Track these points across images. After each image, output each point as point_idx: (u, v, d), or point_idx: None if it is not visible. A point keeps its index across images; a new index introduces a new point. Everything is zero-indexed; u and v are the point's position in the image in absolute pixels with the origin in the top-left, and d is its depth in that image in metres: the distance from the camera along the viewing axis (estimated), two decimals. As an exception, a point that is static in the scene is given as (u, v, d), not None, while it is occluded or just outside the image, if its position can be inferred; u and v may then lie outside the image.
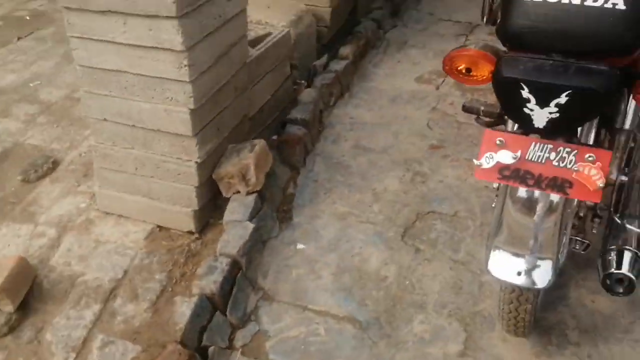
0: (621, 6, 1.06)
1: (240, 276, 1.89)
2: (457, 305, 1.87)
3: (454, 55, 1.34)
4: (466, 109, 2.09)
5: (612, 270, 1.41)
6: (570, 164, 1.17)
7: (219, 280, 1.81)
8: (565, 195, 1.20)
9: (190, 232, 2.10)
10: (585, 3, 1.09)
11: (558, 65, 1.11)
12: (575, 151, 1.18)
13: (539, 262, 1.30)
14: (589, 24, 1.09)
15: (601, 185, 1.15)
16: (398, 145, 2.55)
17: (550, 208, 1.28)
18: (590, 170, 1.15)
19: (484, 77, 1.33)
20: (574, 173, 1.17)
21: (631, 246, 1.45)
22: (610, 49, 1.11)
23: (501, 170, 1.23)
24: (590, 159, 1.15)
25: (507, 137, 1.23)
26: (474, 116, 2.31)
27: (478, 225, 2.14)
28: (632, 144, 1.64)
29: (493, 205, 1.73)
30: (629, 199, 1.50)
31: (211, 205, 2.15)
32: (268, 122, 2.49)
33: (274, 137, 2.46)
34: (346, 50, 3.00)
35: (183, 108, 1.87)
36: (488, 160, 1.24)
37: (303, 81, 2.77)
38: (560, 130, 1.15)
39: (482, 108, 2.02)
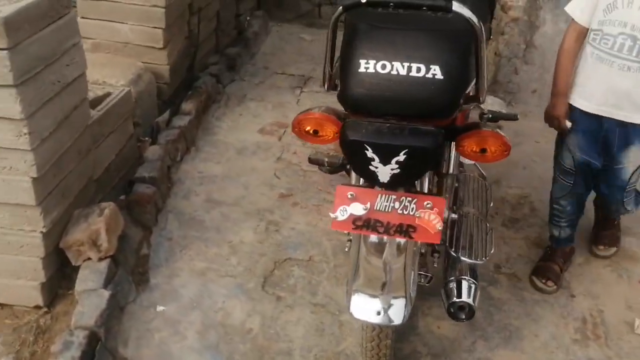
0: (439, 76, 1.25)
1: (100, 348, 1.81)
2: (321, 347, 1.95)
3: (301, 119, 1.45)
4: (312, 161, 2.25)
5: (454, 299, 1.58)
6: (412, 211, 1.33)
7: (77, 356, 1.71)
8: (411, 239, 1.35)
9: (38, 307, 1.97)
10: (411, 74, 1.26)
11: (394, 128, 1.26)
12: (415, 199, 1.33)
13: (393, 301, 1.43)
14: (415, 91, 1.27)
15: (440, 227, 1.32)
16: (249, 197, 2.61)
17: (399, 250, 1.42)
18: (429, 216, 1.31)
19: (330, 137, 1.46)
20: (417, 219, 1.32)
21: (467, 276, 1.64)
22: (434, 113, 1.29)
23: (354, 220, 1.35)
24: (428, 205, 1.31)
25: (357, 191, 1.36)
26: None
27: (332, 267, 2.26)
28: (457, 184, 1.87)
29: (346, 250, 1.86)
30: (460, 234, 1.70)
31: (59, 275, 2.04)
32: (114, 182, 2.43)
33: (122, 197, 2.40)
34: (188, 105, 3.03)
35: (24, 177, 1.78)
36: (343, 213, 1.35)
37: (147, 138, 2.74)
38: (401, 183, 1.30)
39: (326, 160, 2.19)
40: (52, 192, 1.90)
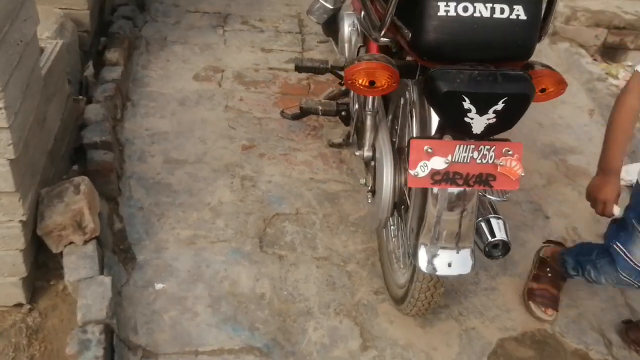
0: (523, 17, 1.20)
1: (116, 341, 1.62)
2: (338, 301, 1.91)
3: (356, 70, 1.34)
4: (303, 110, 2.12)
5: (489, 238, 1.59)
6: (491, 159, 1.30)
7: (100, 355, 1.52)
8: (491, 187, 1.32)
9: (19, 305, 1.72)
10: (494, 15, 1.19)
11: (487, 75, 1.20)
12: (494, 147, 1.30)
13: (463, 252, 1.42)
14: (499, 34, 1.21)
15: (521, 174, 1.30)
16: (210, 152, 2.42)
17: (471, 199, 1.39)
18: (510, 163, 1.29)
19: (386, 87, 1.37)
20: (499, 167, 1.30)
21: (492, 213, 1.66)
22: (517, 56, 1.24)
23: (433, 175, 1.29)
24: (509, 153, 1.29)
25: (434, 144, 1.29)
26: (269, 110, 2.35)
27: (322, 218, 2.19)
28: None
29: (369, 201, 1.80)
30: None
31: (34, 266, 1.77)
32: (62, 152, 2.12)
33: (75, 168, 2.11)
34: (113, 54, 2.69)
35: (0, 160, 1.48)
36: (423, 169, 1.29)
37: (81, 97, 2.41)
38: (494, 133, 1.25)
39: (320, 107, 2.07)
40: (25, 173, 1.61)
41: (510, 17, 1.19)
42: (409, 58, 1.44)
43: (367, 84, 1.35)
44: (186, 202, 2.18)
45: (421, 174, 1.29)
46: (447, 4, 1.18)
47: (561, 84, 1.34)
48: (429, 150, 1.28)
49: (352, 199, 2.29)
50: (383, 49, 1.59)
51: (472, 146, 1.28)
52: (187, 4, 3.50)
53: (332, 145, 2.51)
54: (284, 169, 2.39)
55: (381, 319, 1.88)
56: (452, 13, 1.18)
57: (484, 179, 1.31)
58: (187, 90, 2.78)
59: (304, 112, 2.16)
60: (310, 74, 2.69)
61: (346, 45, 2.31)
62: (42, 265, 1.81)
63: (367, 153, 1.72)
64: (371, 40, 1.64)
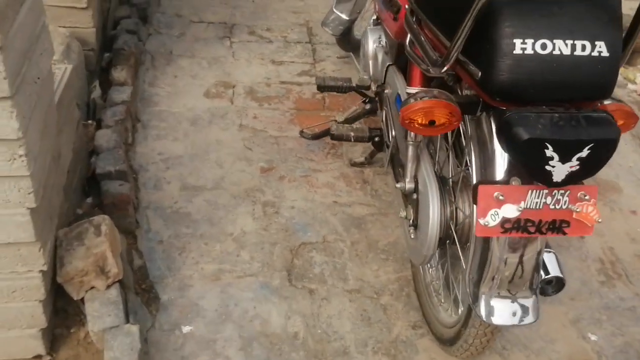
0: (605, 53, 1.10)
1: (147, 396, 1.51)
2: (375, 338, 1.81)
3: (412, 112, 1.24)
4: (335, 137, 2.01)
5: (543, 276, 1.49)
6: (565, 204, 1.20)
7: (133, 414, 1.41)
8: (564, 235, 1.23)
9: (38, 357, 1.60)
10: (575, 53, 1.09)
11: (569, 118, 1.09)
12: (568, 191, 1.20)
13: (528, 299, 1.32)
14: (581, 73, 1.11)
15: (599, 220, 1.20)
16: (228, 176, 2.31)
17: (535, 245, 1.30)
18: (587, 208, 1.19)
19: (448, 125, 1.26)
20: (574, 213, 1.20)
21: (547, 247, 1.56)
22: (597, 95, 1.14)
23: (503, 223, 1.19)
24: (586, 197, 1.19)
25: (505, 190, 1.19)
26: (285, 128, 2.26)
27: (350, 246, 2.09)
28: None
29: (412, 238, 1.69)
30: None
31: (53, 314, 1.66)
32: (74, 185, 2.00)
33: (89, 201, 2.00)
34: (120, 73, 2.57)
35: (19, 209, 1.37)
36: (494, 218, 1.18)
37: (90, 121, 2.29)
38: (576, 181, 1.15)
39: (352, 134, 1.96)
40: (44, 219, 1.50)
41: (592, 54, 1.09)
42: (467, 92, 1.34)
43: (426, 123, 1.24)
44: (207, 232, 2.06)
45: (492, 223, 1.19)
46: (523, 41, 1.07)
47: (632, 118, 1.24)
48: (500, 197, 1.18)
49: (380, 223, 2.19)
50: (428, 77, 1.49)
51: (546, 191, 1.18)
52: (190, 14, 3.38)
53: (353, 164, 2.41)
54: (306, 193, 2.28)
55: (422, 356, 1.78)
56: (529, 51, 1.08)
57: (558, 226, 1.21)
58: (199, 108, 2.66)
59: (334, 138, 2.06)
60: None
61: (371, 63, 2.20)
62: (60, 310, 1.69)
63: (408, 185, 1.61)
64: (416, 67, 1.53)
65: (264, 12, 3.49)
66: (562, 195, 1.19)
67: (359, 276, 1.98)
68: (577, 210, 1.19)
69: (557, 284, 1.53)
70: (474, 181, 1.29)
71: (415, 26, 1.45)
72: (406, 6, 1.57)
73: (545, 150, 1.07)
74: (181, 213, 2.13)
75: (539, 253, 1.31)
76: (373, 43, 2.20)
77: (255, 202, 2.21)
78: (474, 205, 1.24)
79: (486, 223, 1.18)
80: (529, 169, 1.13)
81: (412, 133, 1.58)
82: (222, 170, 2.34)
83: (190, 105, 2.67)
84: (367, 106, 2.25)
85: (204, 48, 3.08)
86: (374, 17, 2.34)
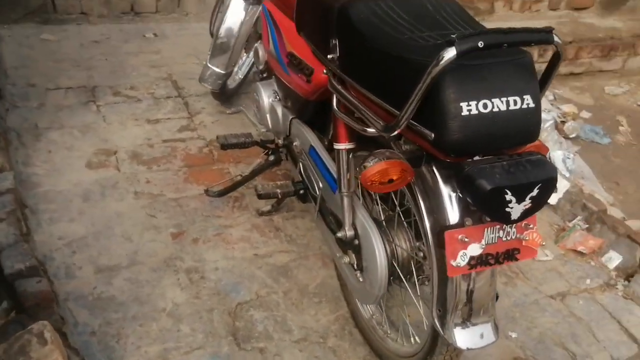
0: (532, 104, 1.30)
1: None
2: (332, 381, 1.89)
3: (375, 174, 1.35)
4: (262, 197, 2.05)
5: None
6: (514, 235, 1.38)
7: None
8: (517, 261, 1.41)
9: None
10: (510, 108, 1.27)
11: (516, 164, 1.27)
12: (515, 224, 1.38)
13: (489, 321, 1.49)
14: (516, 124, 1.29)
15: (543, 243, 1.41)
16: (141, 249, 2.24)
17: (493, 274, 1.47)
18: (532, 235, 1.39)
19: (402, 179, 1.39)
20: (523, 242, 1.39)
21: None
22: (530, 139, 1.34)
23: (469, 261, 1.35)
24: (530, 226, 1.38)
25: (466, 232, 1.34)
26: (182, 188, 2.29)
27: (283, 296, 2.14)
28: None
29: (360, 280, 1.79)
30: None
31: None
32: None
33: (5, 306, 1.83)
34: (-5, 158, 2.37)
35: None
36: (463, 258, 1.33)
37: (-24, 218, 2.09)
38: (527, 217, 1.32)
39: (279, 190, 2.02)
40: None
41: (522, 106, 1.28)
42: (406, 147, 1.48)
43: (385, 181, 1.36)
44: (139, 313, 1.99)
45: (462, 263, 1.33)
46: (468, 103, 1.23)
47: (545, 149, 1.46)
48: (465, 239, 1.33)
49: (303, 267, 2.27)
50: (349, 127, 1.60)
51: (498, 226, 1.36)
52: (43, 81, 3.19)
53: (262, 214, 2.47)
54: (224, 251, 2.29)
55: (379, 388, 1.89)
56: (474, 112, 1.24)
57: (511, 254, 1.39)
58: (85, 182, 2.53)
59: (262, 197, 2.09)
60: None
61: (268, 116, 2.28)
62: None
63: (349, 233, 1.72)
64: (342, 124, 1.65)
65: (122, 70, 3.40)
66: (511, 228, 1.37)
67: (301, 324, 2.05)
68: (526, 238, 1.38)
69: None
70: (427, 226, 1.43)
71: (343, 90, 1.57)
72: (324, 71, 1.67)
73: (505, 196, 1.24)
74: (104, 298, 2.02)
75: (493, 279, 1.49)
76: (268, 97, 2.28)
77: (178, 270, 2.17)
78: (437, 248, 1.39)
79: (458, 264, 1.33)
80: (491, 212, 1.30)
81: (345, 185, 1.70)
82: (132, 244, 2.26)
83: (75, 180, 2.53)
84: (271, 158, 2.33)
85: (71, 116, 2.94)
86: (260, 67, 2.43)
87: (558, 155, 3.27)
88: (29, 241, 2.16)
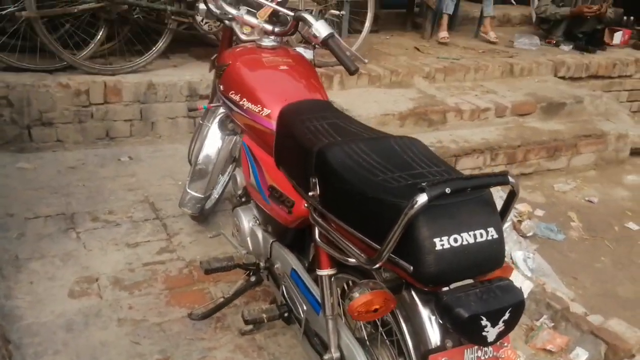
0: (495, 235, 1.48)
1: None
2: None
3: (362, 305, 1.49)
4: (249, 322, 2.15)
5: None
6: (491, 354, 1.51)
7: None
8: None
9: None
10: (477, 240, 1.45)
11: (488, 291, 1.43)
12: (491, 344, 1.52)
13: None
14: (484, 254, 1.46)
15: (518, 358, 1.55)
16: (128, 379, 2.28)
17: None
18: (507, 352, 1.53)
19: (385, 308, 1.53)
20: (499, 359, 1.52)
21: None
22: (497, 266, 1.51)
23: (451, 383, 1.47)
24: (505, 345, 1.53)
25: (449, 354, 1.47)
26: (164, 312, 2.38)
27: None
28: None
29: None
30: None
31: None
32: None
33: None
34: (-23, 295, 2.41)
35: None
36: (447, 382, 1.45)
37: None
38: (501, 338, 1.46)
39: (265, 315, 2.13)
40: None
41: (488, 238, 1.46)
42: (386, 274, 1.63)
43: (371, 310, 1.50)
44: None
45: None
46: (440, 239, 1.40)
47: (510, 271, 1.64)
48: None
49: (289, 386, 2.33)
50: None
51: (476, 347, 1.49)
52: (22, 210, 3.27)
53: (244, 333, 2.54)
54: (214, 376, 2.34)
55: None
56: (446, 246, 1.41)
57: None
58: (68, 312, 2.58)
59: (248, 323, 2.19)
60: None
61: (249, 239, 2.41)
62: None
63: (335, 355, 1.82)
64: (324, 252, 1.79)
65: (100, 195, 3.52)
66: (488, 348, 1.51)
67: None
68: (502, 356, 1.52)
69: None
70: (411, 348, 1.55)
71: (324, 224, 1.73)
72: (305, 204, 1.84)
73: (481, 321, 1.39)
74: None
75: None
76: (248, 222, 2.43)
77: (166, 399, 2.21)
78: None
79: (444, 389, 1.45)
80: (469, 337, 1.44)
81: (328, 308, 1.82)
82: (119, 374, 2.29)
83: (58, 311, 2.57)
84: (253, 279, 2.44)
85: (51, 245, 3.01)
86: (238, 193, 2.59)
87: (519, 255, 3.48)
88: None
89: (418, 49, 5.89)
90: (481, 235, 1.46)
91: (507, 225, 3.67)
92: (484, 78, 5.41)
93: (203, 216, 3.20)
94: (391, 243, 1.42)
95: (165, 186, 3.68)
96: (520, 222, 3.99)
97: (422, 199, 1.36)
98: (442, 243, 1.41)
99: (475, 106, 4.77)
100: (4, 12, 3.92)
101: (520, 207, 4.17)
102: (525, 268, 3.36)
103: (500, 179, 1.46)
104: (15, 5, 3.90)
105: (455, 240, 1.43)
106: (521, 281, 3.05)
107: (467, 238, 1.44)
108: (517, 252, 3.51)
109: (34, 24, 3.79)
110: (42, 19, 3.82)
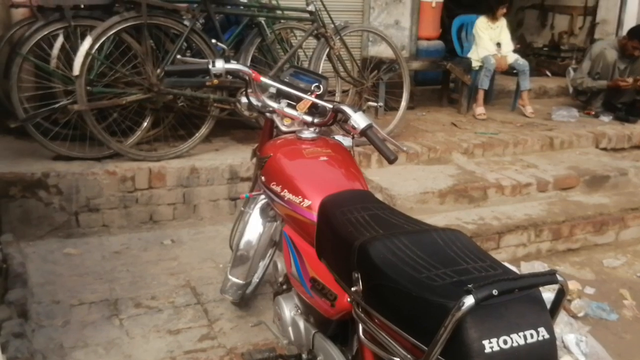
0: (547, 336, 1.43)
1: None
2: None
3: None
4: None
5: None
6: None
7: None
8: None
9: None
10: (528, 341, 1.40)
11: None
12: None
13: None
14: (537, 354, 1.41)
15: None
16: None
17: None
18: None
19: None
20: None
21: None
22: None
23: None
24: None
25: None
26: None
27: None
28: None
29: None
30: None
31: None
32: None
33: None
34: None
35: None
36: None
37: None
38: None
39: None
40: None
41: (539, 338, 1.41)
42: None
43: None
44: None
45: None
46: (489, 341, 1.36)
47: None
48: None
49: None
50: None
51: None
52: (67, 297, 3.32)
53: None
54: None
55: None
56: (496, 348, 1.36)
57: None
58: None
59: None
60: None
61: (290, 330, 2.39)
62: None
63: None
64: (368, 350, 1.75)
65: (142, 280, 3.56)
66: None
67: None
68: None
69: None
70: None
71: (369, 320, 1.70)
72: (348, 299, 1.82)
73: None
74: None
75: None
76: (290, 311, 2.41)
77: None
78: None
79: None
80: None
81: None
82: None
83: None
84: (288, 365, 2.40)
85: (95, 333, 3.03)
86: (280, 280, 2.58)
87: (571, 338, 3.33)
88: None
89: (455, 125, 5.93)
90: (532, 336, 1.41)
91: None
92: (523, 152, 5.38)
93: (244, 301, 3.19)
94: (439, 345, 1.38)
95: (207, 269, 3.70)
96: (570, 301, 3.84)
97: (469, 301, 1.33)
98: (491, 345, 1.37)
99: (516, 181, 4.72)
100: (57, 105, 4.14)
101: (569, 285, 4.03)
102: (578, 352, 3.21)
103: (549, 278, 1.42)
104: (68, 98, 4.11)
105: (505, 342, 1.38)
106: (575, 368, 2.91)
107: (517, 339, 1.39)
108: (568, 335, 3.36)
109: (85, 116, 3.98)
110: (92, 110, 4.01)
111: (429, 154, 5.03)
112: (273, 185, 2.36)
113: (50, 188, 3.95)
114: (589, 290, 4.11)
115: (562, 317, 3.60)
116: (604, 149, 5.79)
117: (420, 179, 4.65)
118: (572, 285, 4.05)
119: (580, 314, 3.78)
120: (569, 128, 5.97)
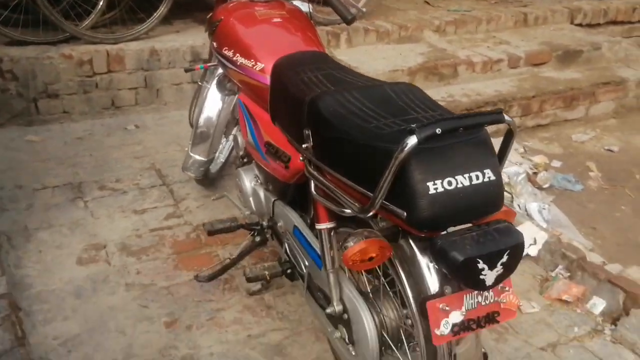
0: (492, 177, 1.40)
1: None
2: None
3: (357, 253, 1.44)
4: (251, 280, 2.12)
5: None
6: (492, 299, 1.46)
7: None
8: (498, 323, 1.48)
9: None
10: (472, 182, 1.38)
11: (485, 234, 1.37)
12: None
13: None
14: (480, 196, 1.39)
15: (520, 303, 1.49)
16: (136, 342, 2.28)
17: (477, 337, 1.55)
18: (509, 297, 1.47)
19: (381, 256, 1.48)
20: (502, 304, 1.46)
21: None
22: (495, 210, 1.44)
23: (452, 327, 1.42)
24: (506, 289, 1.47)
25: (447, 300, 1.42)
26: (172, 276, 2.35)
27: (281, 375, 2.18)
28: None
29: (353, 355, 1.84)
30: None
31: None
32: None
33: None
34: (-16, 265, 2.42)
35: None
36: (446, 326, 1.40)
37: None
38: (501, 282, 1.41)
39: (267, 272, 2.10)
40: None
41: (484, 180, 1.39)
42: (382, 223, 1.58)
43: (366, 259, 1.45)
44: (140, 407, 2.01)
45: (446, 331, 1.40)
46: (434, 182, 1.34)
47: (513, 215, 1.56)
48: (446, 307, 1.40)
49: (297, 344, 2.31)
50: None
51: (476, 292, 1.44)
52: (30, 182, 3.27)
53: (252, 293, 2.52)
54: (217, 335, 2.33)
55: None
56: (440, 189, 1.34)
57: (491, 317, 1.46)
58: (77, 278, 2.58)
59: (250, 281, 2.16)
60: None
61: (251, 199, 2.38)
62: None
63: (337, 308, 1.79)
64: (322, 205, 1.74)
65: (106, 164, 3.51)
66: (489, 292, 1.46)
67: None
68: (503, 301, 1.47)
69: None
70: (411, 297, 1.51)
71: (319, 176, 1.67)
72: (301, 158, 1.78)
73: (478, 264, 1.33)
74: (104, 396, 2.05)
75: (478, 342, 1.56)
76: (250, 182, 2.39)
77: (173, 359, 2.21)
78: (421, 318, 1.46)
79: (442, 332, 1.40)
80: (467, 281, 1.38)
81: (329, 262, 1.78)
82: (126, 338, 2.29)
83: (66, 278, 2.58)
84: (257, 239, 2.41)
85: (59, 214, 3.01)
86: (240, 153, 2.54)
87: (534, 207, 3.39)
88: (25, 344, 2.18)
89: (428, 3, 5.72)
90: (477, 178, 1.39)
91: (521, 174, 3.57)
92: (496, 29, 5.25)
93: (209, 180, 3.17)
94: (383, 189, 1.36)
95: (172, 153, 3.65)
96: (536, 174, 3.89)
97: (411, 141, 1.29)
98: (435, 187, 1.35)
99: (487, 58, 4.63)
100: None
101: (536, 158, 4.07)
102: (540, 219, 3.28)
103: (495, 117, 1.38)
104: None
105: (450, 183, 1.36)
106: (535, 232, 2.98)
107: (462, 180, 1.37)
108: (532, 203, 3.42)
109: (34, -4, 3.74)
110: (41, -10, 3.77)
111: (399, 32, 4.87)
112: (225, 50, 2.25)
113: (5, 73, 3.78)
114: (556, 163, 4.15)
115: (526, 187, 3.65)
116: (579, 25, 5.66)
117: (390, 57, 4.53)
118: (539, 159, 4.08)
119: (546, 185, 3.84)
120: (544, 3, 5.79)
